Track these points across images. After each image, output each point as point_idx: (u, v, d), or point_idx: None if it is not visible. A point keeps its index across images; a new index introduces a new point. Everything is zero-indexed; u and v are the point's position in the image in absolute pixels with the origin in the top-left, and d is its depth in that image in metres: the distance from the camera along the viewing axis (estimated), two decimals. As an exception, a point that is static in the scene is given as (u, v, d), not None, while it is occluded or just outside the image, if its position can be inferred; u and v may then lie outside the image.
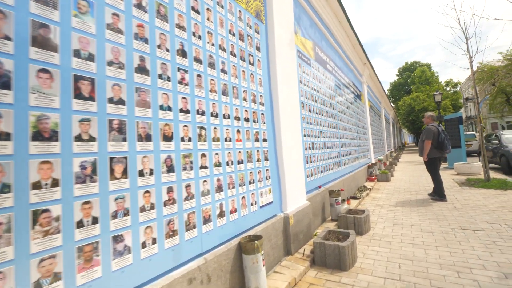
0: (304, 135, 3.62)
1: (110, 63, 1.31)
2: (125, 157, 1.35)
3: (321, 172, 4.14)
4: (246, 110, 2.35)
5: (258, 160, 2.46)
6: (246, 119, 2.35)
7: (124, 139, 1.35)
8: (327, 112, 4.72)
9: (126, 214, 1.33)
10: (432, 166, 5.24)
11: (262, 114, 2.62)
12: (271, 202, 2.62)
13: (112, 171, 1.29)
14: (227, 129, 2.09)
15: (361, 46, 7.56)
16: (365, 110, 9.43)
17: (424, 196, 5.74)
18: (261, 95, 2.63)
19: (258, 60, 2.64)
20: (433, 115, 5.48)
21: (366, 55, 8.39)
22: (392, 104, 24.85)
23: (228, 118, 2.12)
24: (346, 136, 6.01)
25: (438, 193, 5.24)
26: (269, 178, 2.63)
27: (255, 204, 2.35)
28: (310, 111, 3.91)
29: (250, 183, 2.31)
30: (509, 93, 21.13)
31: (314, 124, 4.04)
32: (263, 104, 2.66)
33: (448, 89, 23.42)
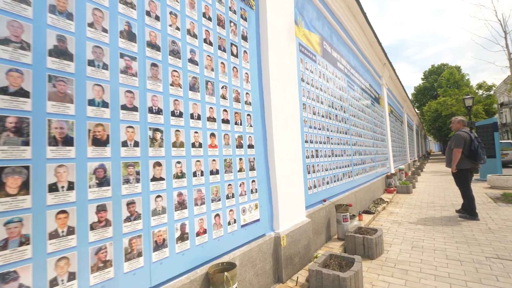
0: (306, 141, 3.17)
1: (5, 42, 0.99)
2: (27, 167, 1.01)
3: (327, 183, 3.65)
4: (225, 110, 1.98)
5: (240, 170, 2.07)
6: (225, 121, 1.97)
7: (26, 143, 1.02)
8: (336, 115, 4.23)
9: (24, 243, 0.99)
10: (462, 179, 4.53)
11: (248, 115, 2.22)
12: (258, 220, 2.20)
13: (1, 185, 0.95)
14: (196, 133, 1.72)
15: (380, 44, 6.95)
16: (384, 115, 8.72)
17: (451, 212, 5.01)
18: (247, 93, 2.24)
19: (245, 51, 2.26)
20: (464, 120, 4.77)
21: (385, 54, 7.74)
22: (416, 109, 23.37)
23: (199, 119, 1.75)
24: (360, 143, 5.44)
25: (468, 211, 4.52)
26: (256, 191, 2.22)
27: (234, 223, 1.95)
28: (314, 113, 3.45)
29: (228, 198, 1.92)
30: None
31: (319, 129, 3.57)
32: (250, 104, 2.27)
33: (480, 92, 21.39)
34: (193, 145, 1.69)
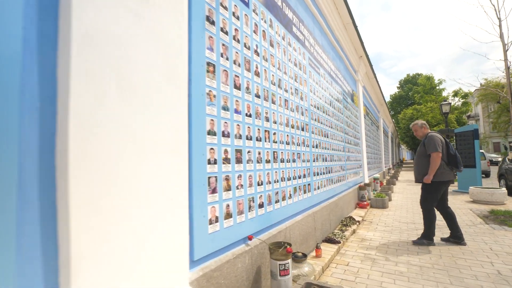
0: (210, 133, 1.71)
1: None
2: None
3: (260, 206, 2.21)
4: None
5: None
6: None
7: None
8: (286, 100, 2.83)
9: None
10: (435, 195, 3.48)
11: None
12: None
13: None
14: None
15: (356, 28, 5.75)
16: (359, 115, 7.57)
17: (436, 239, 3.79)
18: None
19: None
20: (425, 123, 3.80)
21: (362, 44, 6.58)
22: (392, 118, 23.01)
23: None
24: (325, 145, 4.10)
25: (427, 234, 3.55)
26: None
27: None
28: (236, 87, 2.01)
29: None
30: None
31: (248, 115, 2.14)
32: None
33: (455, 100, 21.26)
34: None
